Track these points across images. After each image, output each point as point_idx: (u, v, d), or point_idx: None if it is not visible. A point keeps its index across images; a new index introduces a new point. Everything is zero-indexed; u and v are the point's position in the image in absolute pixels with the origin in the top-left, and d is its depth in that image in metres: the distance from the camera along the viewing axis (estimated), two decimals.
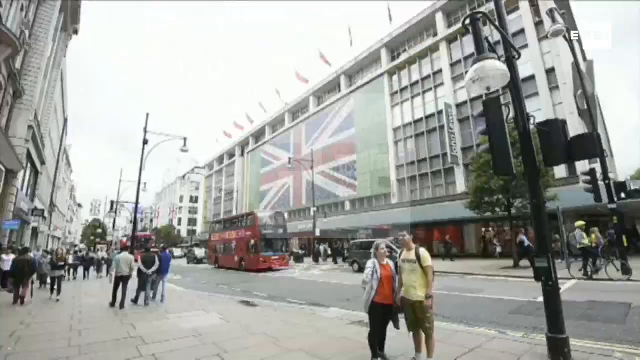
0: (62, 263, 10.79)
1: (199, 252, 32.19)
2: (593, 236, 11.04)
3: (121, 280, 8.56)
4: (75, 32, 21.78)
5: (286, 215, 24.20)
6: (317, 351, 4.56)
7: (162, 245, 14.76)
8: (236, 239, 22.17)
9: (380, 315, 3.87)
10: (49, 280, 11.24)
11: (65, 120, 32.06)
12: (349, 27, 53.96)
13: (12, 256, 10.67)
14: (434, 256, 4.09)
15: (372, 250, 4.12)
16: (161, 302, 9.08)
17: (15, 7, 11.44)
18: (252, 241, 19.83)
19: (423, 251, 3.85)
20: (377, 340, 3.97)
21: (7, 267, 10.45)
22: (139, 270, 8.77)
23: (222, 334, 5.60)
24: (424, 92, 28.16)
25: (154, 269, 8.80)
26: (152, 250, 10.13)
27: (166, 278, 9.68)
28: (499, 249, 20.62)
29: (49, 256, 11.86)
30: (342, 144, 34.90)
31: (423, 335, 3.81)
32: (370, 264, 4.03)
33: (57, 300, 9.83)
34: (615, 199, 10.88)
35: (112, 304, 8.49)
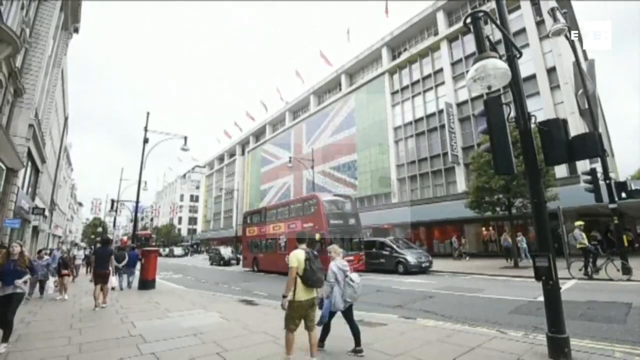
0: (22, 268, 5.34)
1: (225, 252, 28.42)
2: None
3: None
4: (76, 30, 21.76)
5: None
6: None
7: (130, 245, 15.51)
8: (288, 233, 16.87)
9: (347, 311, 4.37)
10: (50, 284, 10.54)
11: (66, 119, 32.07)
12: (348, 26, 53.78)
13: None
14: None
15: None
16: (128, 287, 11.76)
17: (16, 5, 11.41)
18: (318, 235, 14.48)
19: (292, 252, 3.98)
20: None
21: None
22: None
23: (222, 333, 5.60)
24: (424, 91, 28.11)
25: (123, 263, 11.26)
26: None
27: (133, 270, 12.29)
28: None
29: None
30: (343, 143, 34.81)
31: (311, 336, 4.03)
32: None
33: (64, 299, 9.85)
34: (616, 199, 10.86)
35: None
